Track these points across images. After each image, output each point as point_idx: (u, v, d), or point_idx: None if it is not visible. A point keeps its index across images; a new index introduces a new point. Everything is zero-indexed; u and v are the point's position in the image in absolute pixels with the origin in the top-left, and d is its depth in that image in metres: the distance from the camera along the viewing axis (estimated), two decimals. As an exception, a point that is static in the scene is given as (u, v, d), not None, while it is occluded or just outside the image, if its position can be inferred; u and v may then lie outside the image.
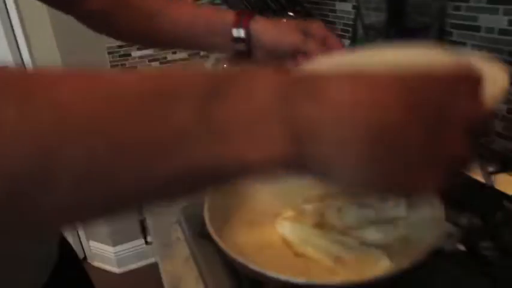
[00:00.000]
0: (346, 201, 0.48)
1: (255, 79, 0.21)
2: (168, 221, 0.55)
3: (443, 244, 0.35)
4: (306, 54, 0.51)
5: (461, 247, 0.44)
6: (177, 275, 0.46)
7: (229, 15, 0.55)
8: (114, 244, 1.70)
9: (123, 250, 1.72)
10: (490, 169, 0.61)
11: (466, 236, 0.46)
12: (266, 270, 0.33)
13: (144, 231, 1.01)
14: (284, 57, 0.53)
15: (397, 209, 0.45)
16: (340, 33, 1.15)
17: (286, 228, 0.43)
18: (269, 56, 0.54)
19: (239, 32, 0.54)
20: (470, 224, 0.51)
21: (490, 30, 0.71)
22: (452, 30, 0.78)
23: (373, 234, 0.42)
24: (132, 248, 1.72)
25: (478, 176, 0.61)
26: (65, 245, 0.59)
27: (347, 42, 0.82)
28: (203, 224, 0.40)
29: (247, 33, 0.53)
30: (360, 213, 0.46)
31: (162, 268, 0.47)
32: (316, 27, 0.55)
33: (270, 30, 0.54)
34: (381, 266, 0.37)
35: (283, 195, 0.49)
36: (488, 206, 0.52)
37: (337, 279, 0.36)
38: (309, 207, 0.46)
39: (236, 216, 0.45)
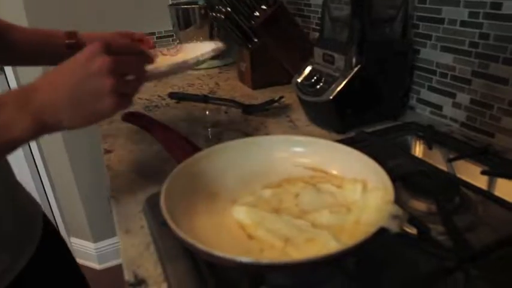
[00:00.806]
0: (303, 187, 0.49)
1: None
2: (134, 210, 0.56)
3: (390, 225, 0.36)
4: None
5: (413, 230, 0.46)
6: (137, 261, 0.46)
7: (61, 32, 0.72)
8: (95, 240, 1.70)
9: (104, 246, 1.72)
10: (450, 156, 0.62)
11: (418, 220, 0.48)
12: (213, 250, 0.34)
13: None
14: None
15: (352, 193, 0.47)
16: (314, 26, 1.16)
17: (241, 213, 0.44)
18: None
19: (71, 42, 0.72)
20: (426, 208, 0.53)
21: (452, 22, 0.73)
22: (418, 23, 0.80)
23: (326, 217, 0.43)
24: (113, 244, 1.71)
25: (438, 163, 0.63)
26: (47, 221, 0.67)
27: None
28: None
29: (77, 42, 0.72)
30: (316, 198, 0.47)
31: (122, 253, 0.48)
32: (139, 34, 0.78)
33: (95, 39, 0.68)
34: (330, 247, 0.38)
35: (242, 182, 0.50)
36: (446, 192, 0.54)
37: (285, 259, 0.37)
38: (267, 192, 0.48)
39: (194, 203, 0.46)
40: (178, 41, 1.42)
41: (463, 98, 0.75)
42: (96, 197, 1.59)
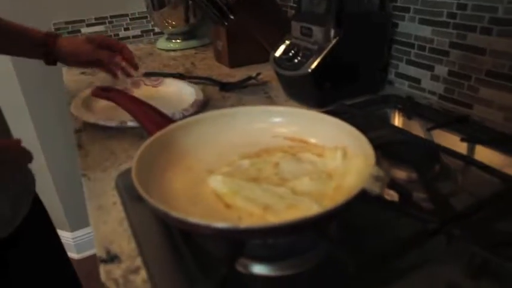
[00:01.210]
0: (283, 156, 0.47)
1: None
2: (106, 188, 0.53)
3: (371, 187, 0.35)
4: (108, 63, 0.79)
5: (395, 198, 0.45)
6: (109, 237, 0.44)
7: (40, 32, 0.77)
8: (73, 229, 1.66)
9: (82, 235, 1.67)
10: (429, 125, 0.62)
11: (400, 185, 0.47)
12: (187, 217, 0.32)
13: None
14: (87, 64, 0.80)
15: (333, 161, 0.45)
16: (292, 4, 1.14)
17: (217, 182, 0.42)
18: (75, 63, 0.79)
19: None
20: (407, 177, 0.52)
21: (430, -8, 0.72)
22: (396, -5, 0.79)
23: (306, 184, 0.41)
24: (91, 233, 1.67)
25: (418, 132, 0.62)
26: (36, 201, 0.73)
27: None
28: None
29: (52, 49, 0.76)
30: (296, 167, 0.45)
31: (94, 230, 0.45)
32: (113, 42, 0.80)
33: (69, 45, 0.76)
34: (312, 212, 0.36)
35: (219, 153, 0.48)
36: (426, 160, 0.53)
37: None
38: (245, 162, 0.46)
39: (168, 175, 0.43)
40: (152, 23, 1.38)
41: (441, 70, 0.74)
42: (72, 185, 1.55)
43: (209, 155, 0.48)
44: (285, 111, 0.53)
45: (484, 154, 0.56)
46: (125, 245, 0.43)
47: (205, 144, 0.50)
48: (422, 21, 0.75)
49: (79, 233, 1.67)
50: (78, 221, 1.64)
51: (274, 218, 0.37)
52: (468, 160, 0.52)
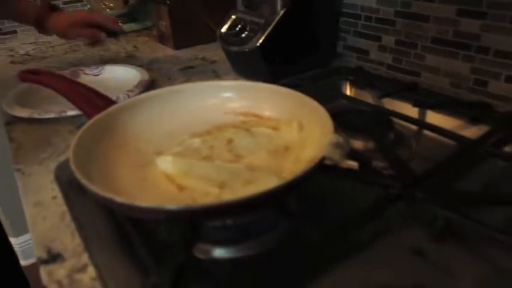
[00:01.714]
0: (236, 132, 0.44)
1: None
2: (44, 182, 0.48)
3: (332, 155, 0.34)
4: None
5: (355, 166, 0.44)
6: (50, 234, 0.39)
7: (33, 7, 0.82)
8: (16, 235, 1.54)
9: (28, 240, 1.57)
10: (379, 94, 0.62)
11: (360, 154, 0.46)
12: (133, 201, 0.28)
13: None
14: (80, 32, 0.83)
15: (289, 134, 0.43)
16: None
17: (166, 162, 0.38)
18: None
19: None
20: (363, 146, 0.51)
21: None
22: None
23: (263, 159, 0.39)
24: (39, 235, 1.56)
25: (369, 100, 0.62)
26: None
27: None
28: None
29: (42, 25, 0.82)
30: (251, 142, 0.43)
31: (31, 228, 0.40)
32: (103, 19, 0.84)
33: (56, 27, 0.81)
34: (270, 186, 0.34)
35: (167, 133, 0.45)
36: (380, 127, 0.53)
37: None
38: (195, 141, 0.42)
39: (112, 160, 0.39)
40: (89, 6, 1.28)
41: (388, 40, 0.74)
42: (10, 186, 1.43)
43: (156, 136, 0.45)
44: (235, 85, 0.50)
45: (435, 119, 0.57)
46: (68, 241, 0.38)
47: (151, 124, 0.46)
48: (368, -9, 0.75)
49: (24, 238, 1.56)
50: (22, 225, 1.53)
51: (231, 196, 0.34)
52: (421, 124, 0.52)
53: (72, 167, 0.33)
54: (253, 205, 0.31)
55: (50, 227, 0.40)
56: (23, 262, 1.57)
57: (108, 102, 0.47)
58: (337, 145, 0.34)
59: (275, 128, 0.45)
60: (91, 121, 0.41)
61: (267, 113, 0.47)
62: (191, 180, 0.36)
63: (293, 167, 0.37)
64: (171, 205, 0.28)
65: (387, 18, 0.73)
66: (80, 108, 0.45)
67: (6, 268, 0.73)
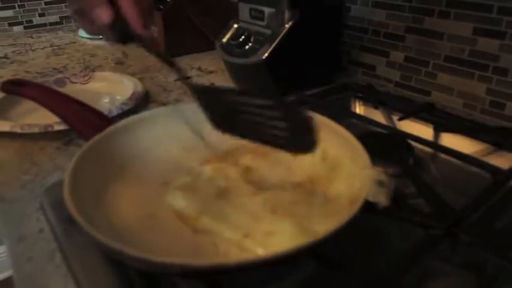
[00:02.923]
0: (252, 158, 0.40)
1: None
2: (28, 209, 0.42)
3: (376, 197, 0.29)
4: None
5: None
6: (37, 279, 0.33)
7: None
8: (-12, 247, 1.44)
9: (3, 253, 1.47)
10: (391, 113, 0.58)
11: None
12: (150, 255, 0.23)
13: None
14: None
15: (310, 161, 0.39)
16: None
17: (178, 199, 0.33)
18: None
19: None
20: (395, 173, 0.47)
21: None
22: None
23: (287, 195, 0.34)
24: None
25: (382, 121, 0.58)
26: None
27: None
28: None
29: None
30: (269, 172, 0.38)
31: (15, 272, 0.34)
32: None
33: None
34: (294, 238, 0.29)
35: (173, 159, 0.39)
36: (400, 151, 0.49)
37: (246, 255, 0.28)
38: (206, 169, 0.37)
39: (112, 191, 0.34)
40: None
41: (397, 56, 0.71)
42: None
43: (161, 161, 0.40)
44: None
45: (453, 142, 0.53)
46: (61, 286, 0.33)
47: (154, 147, 0.41)
48: (376, 5, 0.71)
49: (-3, 250, 1.46)
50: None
51: (253, 246, 0.29)
52: (447, 151, 0.48)
53: (68, 203, 0.28)
54: (284, 261, 0.26)
55: (37, 269, 0.34)
56: (-5, 277, 1.47)
57: (105, 121, 0.42)
58: (380, 183, 0.30)
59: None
60: (88, 145, 0.36)
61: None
62: (207, 220, 0.31)
63: (323, 209, 0.32)
64: (201, 262, 0.23)
65: (397, 33, 0.70)
66: (73, 128, 0.40)
67: None
